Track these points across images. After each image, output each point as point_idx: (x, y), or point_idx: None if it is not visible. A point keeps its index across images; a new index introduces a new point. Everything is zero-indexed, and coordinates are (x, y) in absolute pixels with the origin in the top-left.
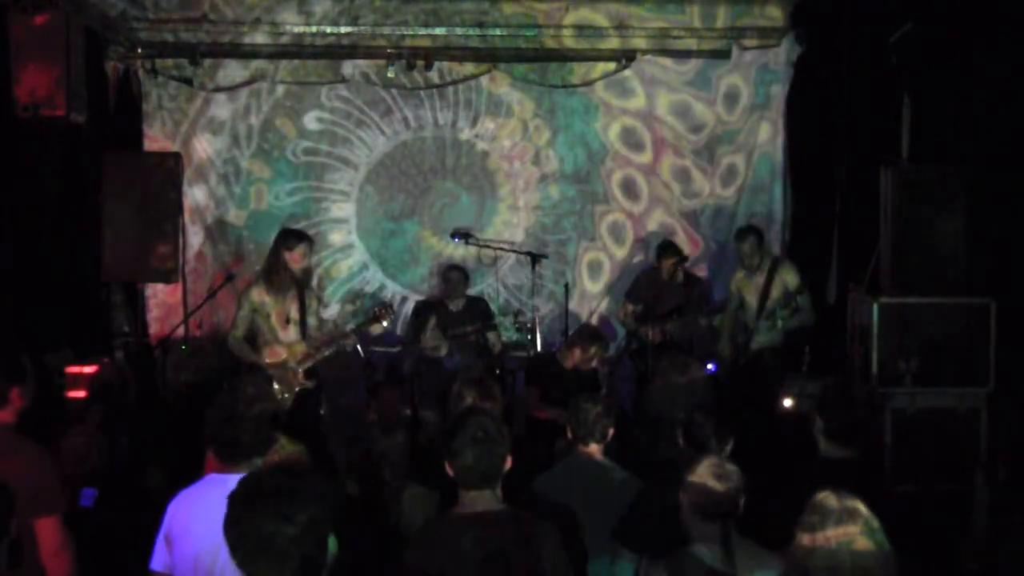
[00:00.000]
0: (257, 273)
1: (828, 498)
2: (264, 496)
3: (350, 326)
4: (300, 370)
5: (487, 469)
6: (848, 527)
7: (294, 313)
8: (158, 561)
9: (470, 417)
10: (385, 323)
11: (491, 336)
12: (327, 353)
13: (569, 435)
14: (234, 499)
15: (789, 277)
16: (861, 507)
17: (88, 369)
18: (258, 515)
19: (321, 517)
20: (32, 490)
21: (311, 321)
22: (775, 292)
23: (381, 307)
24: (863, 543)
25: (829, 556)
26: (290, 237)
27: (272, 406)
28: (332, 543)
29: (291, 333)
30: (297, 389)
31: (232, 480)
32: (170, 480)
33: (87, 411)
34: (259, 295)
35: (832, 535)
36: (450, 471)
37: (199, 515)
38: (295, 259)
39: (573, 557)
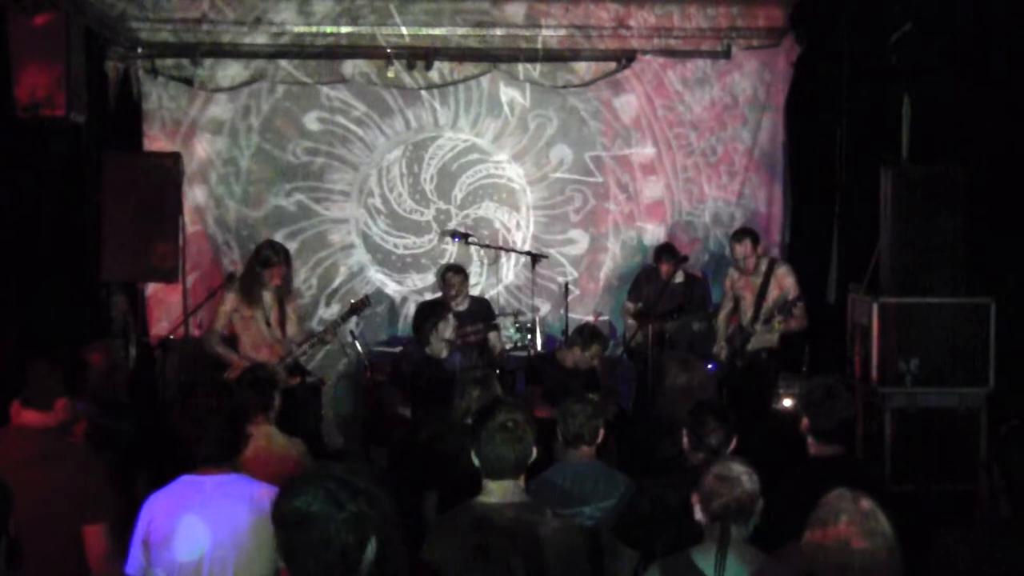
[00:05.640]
0: (238, 279)
1: (841, 496)
2: (321, 479)
3: (334, 319)
4: (282, 369)
5: (516, 459)
6: (858, 525)
7: (273, 315)
8: (133, 565)
9: (499, 407)
10: (355, 318)
11: (492, 336)
12: (308, 350)
13: (559, 438)
14: (292, 480)
15: (787, 281)
16: (871, 505)
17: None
18: (311, 495)
19: (368, 514)
20: (78, 496)
21: (290, 329)
22: (772, 295)
23: (358, 301)
24: (871, 542)
25: (838, 554)
26: (266, 254)
27: (235, 403)
28: (371, 549)
29: (272, 333)
30: (281, 388)
31: (206, 480)
32: (158, 486)
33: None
34: (237, 301)
35: (842, 532)
36: (475, 460)
37: (180, 519)
38: (270, 277)
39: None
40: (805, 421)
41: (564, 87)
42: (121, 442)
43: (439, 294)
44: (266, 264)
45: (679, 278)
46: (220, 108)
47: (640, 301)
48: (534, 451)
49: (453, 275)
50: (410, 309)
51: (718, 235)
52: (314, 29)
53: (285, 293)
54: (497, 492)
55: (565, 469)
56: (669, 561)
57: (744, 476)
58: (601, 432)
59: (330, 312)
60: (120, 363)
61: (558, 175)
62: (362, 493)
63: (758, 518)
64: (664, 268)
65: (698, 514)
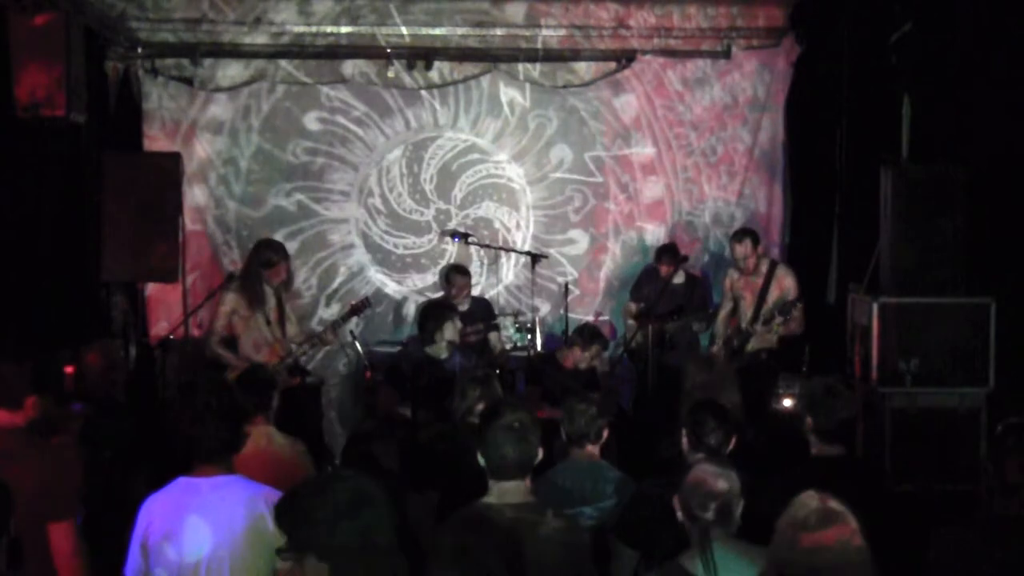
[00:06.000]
0: (238, 281)
1: (810, 498)
2: (342, 479)
3: (334, 319)
4: (283, 369)
5: (521, 460)
6: (829, 528)
7: (274, 315)
8: (131, 567)
9: (505, 407)
10: (355, 319)
11: (492, 336)
12: (308, 351)
13: (564, 437)
14: (311, 487)
15: (787, 282)
16: (842, 508)
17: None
18: (349, 485)
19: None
20: (44, 493)
21: (290, 329)
22: (772, 296)
23: (358, 302)
24: (843, 544)
25: (809, 556)
26: (267, 254)
27: (233, 403)
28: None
29: (273, 332)
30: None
31: (203, 482)
32: (158, 487)
33: (67, 420)
34: (237, 302)
35: (814, 536)
36: (482, 461)
37: (179, 521)
38: (272, 276)
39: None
40: (809, 421)
41: (564, 87)
42: (119, 442)
43: (440, 293)
44: (268, 264)
45: (680, 278)
46: (220, 108)
47: (641, 301)
48: (540, 452)
49: (458, 276)
50: (410, 309)
51: (718, 235)
52: (314, 29)
53: (287, 290)
54: (503, 493)
55: (567, 469)
56: (663, 569)
57: (722, 478)
58: (605, 432)
59: (330, 312)
60: (119, 363)
61: (558, 175)
62: (380, 486)
63: (739, 519)
64: (663, 268)
65: (680, 516)
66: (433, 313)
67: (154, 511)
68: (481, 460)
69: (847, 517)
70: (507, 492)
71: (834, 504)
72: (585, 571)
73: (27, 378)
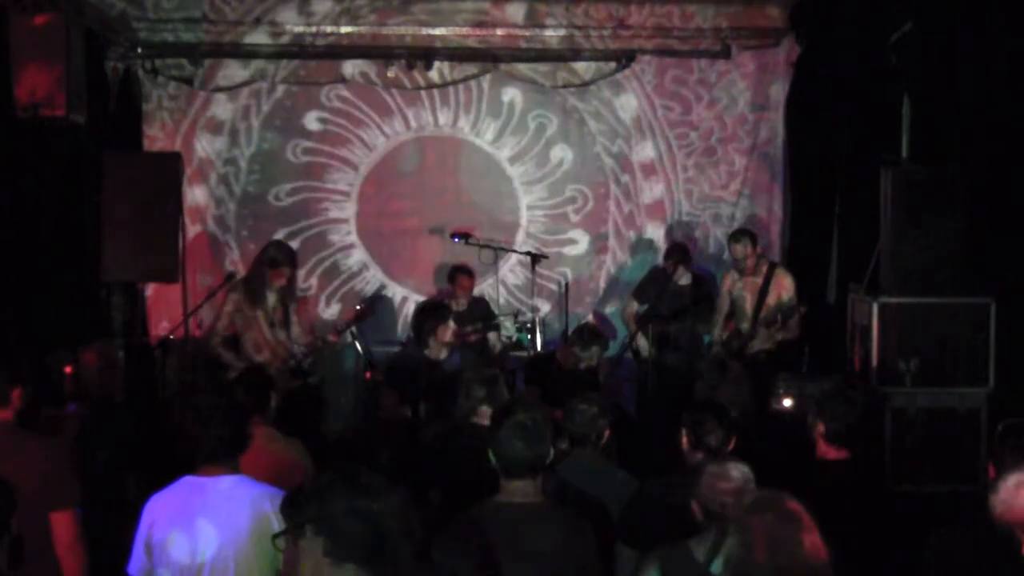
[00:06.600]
0: (241, 279)
1: (767, 494)
2: (352, 479)
3: (336, 322)
4: (285, 372)
5: (532, 459)
6: (783, 526)
7: (277, 315)
8: (135, 565)
9: (517, 406)
10: (355, 323)
11: (492, 336)
12: (310, 352)
13: (565, 437)
14: (321, 488)
15: (786, 282)
16: (800, 508)
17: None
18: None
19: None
20: (43, 484)
21: (293, 331)
22: (771, 298)
23: (362, 307)
24: (799, 544)
25: (770, 556)
26: (274, 255)
27: (237, 402)
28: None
29: (275, 334)
30: (280, 388)
31: (208, 482)
32: (154, 487)
33: (64, 420)
34: (239, 301)
35: (771, 532)
36: (493, 460)
37: (183, 521)
38: (277, 277)
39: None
40: (820, 425)
41: (564, 87)
42: (115, 443)
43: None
44: (272, 264)
45: (686, 279)
46: (220, 108)
47: (645, 302)
48: (552, 451)
49: (464, 276)
50: (410, 309)
51: (718, 235)
52: (314, 29)
53: (289, 295)
54: (514, 491)
55: (569, 468)
56: (667, 553)
57: (733, 469)
58: (607, 432)
59: (330, 312)
60: (118, 363)
61: (558, 175)
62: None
63: None
64: (667, 267)
65: (699, 516)
66: (426, 316)
67: (158, 510)
68: (492, 458)
69: (803, 518)
70: (517, 491)
71: (793, 505)
72: (591, 570)
73: (9, 372)
